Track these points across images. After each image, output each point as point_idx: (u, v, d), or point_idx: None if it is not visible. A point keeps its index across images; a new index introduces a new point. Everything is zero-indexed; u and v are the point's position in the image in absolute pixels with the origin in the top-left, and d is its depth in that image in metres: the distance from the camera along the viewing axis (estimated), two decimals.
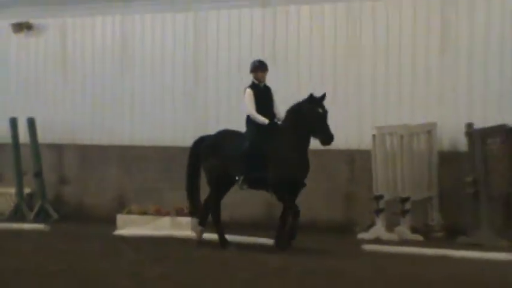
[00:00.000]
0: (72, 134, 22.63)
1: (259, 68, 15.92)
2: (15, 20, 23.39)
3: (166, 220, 18.71)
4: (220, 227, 16.32)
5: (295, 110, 15.53)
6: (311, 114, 15.23)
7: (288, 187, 15.59)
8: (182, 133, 21.35)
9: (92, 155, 22.39)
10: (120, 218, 19.07)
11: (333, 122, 17.54)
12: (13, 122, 21.83)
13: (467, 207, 17.75)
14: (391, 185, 18.28)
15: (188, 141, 19.06)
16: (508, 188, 17.43)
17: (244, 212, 20.08)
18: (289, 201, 15.56)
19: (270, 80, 16.76)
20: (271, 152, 15.51)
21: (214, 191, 16.36)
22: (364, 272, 14.05)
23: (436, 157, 18.74)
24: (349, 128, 19.56)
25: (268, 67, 16.14)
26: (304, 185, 15.79)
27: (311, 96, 15.32)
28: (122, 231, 18.72)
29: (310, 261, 15.44)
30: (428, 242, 17.45)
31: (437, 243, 17.14)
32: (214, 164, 16.26)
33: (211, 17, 21.61)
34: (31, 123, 21.86)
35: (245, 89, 16.02)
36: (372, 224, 18.16)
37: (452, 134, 18.50)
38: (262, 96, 15.89)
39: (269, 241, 16.31)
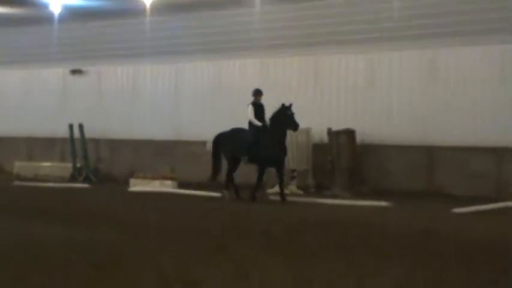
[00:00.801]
0: (104, 132, 24.02)
1: (257, 93, 17.42)
2: (72, 67, 24.98)
3: (157, 182, 20.05)
4: (229, 185, 17.53)
5: (275, 116, 16.77)
6: (284, 115, 16.60)
7: (272, 164, 16.97)
8: (164, 131, 22.94)
9: (116, 145, 23.87)
10: (132, 181, 20.66)
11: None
12: (70, 127, 23.17)
13: (328, 175, 18.91)
14: (287, 162, 18.47)
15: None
16: (349, 163, 18.61)
17: None
18: (260, 176, 16.96)
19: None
20: (263, 143, 16.63)
21: (229, 164, 17.70)
22: (269, 213, 15.00)
23: (311, 146, 19.68)
24: None
25: (263, 93, 17.39)
26: (283, 162, 17.17)
27: (283, 105, 16.71)
28: (132, 189, 19.87)
29: (241, 204, 16.60)
30: (307, 194, 18.53)
31: (312, 195, 18.22)
32: (229, 149, 17.55)
33: None
34: (81, 126, 23.28)
35: (248, 105, 17.31)
36: (274, 184, 18.55)
37: (320, 133, 19.37)
38: (258, 110, 17.22)
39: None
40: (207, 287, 7.57)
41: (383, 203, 16.27)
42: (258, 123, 17.03)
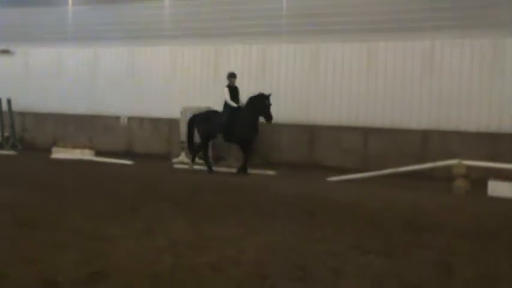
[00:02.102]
0: (30, 107, 23.62)
1: (231, 76, 16.70)
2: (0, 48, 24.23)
3: (77, 151, 19.70)
4: (208, 161, 16.83)
5: (252, 100, 16.12)
6: (261, 104, 15.94)
7: (245, 142, 16.28)
8: (84, 106, 22.81)
9: (40, 118, 23.45)
10: (54, 149, 20.18)
11: (163, 99, 20.66)
12: None
13: (225, 147, 18.69)
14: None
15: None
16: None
17: None
18: (249, 148, 16.31)
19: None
20: (238, 122, 16.11)
21: (203, 142, 16.91)
22: (174, 179, 15.11)
23: None
24: (173, 105, 20.63)
25: (236, 76, 16.81)
26: (254, 140, 16.62)
27: (262, 94, 16.12)
28: (54, 156, 19.58)
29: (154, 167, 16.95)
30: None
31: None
32: (204, 128, 16.80)
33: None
34: (9, 101, 23.01)
35: (224, 87, 16.73)
36: (179, 155, 19.41)
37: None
38: (233, 92, 16.57)
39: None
40: (118, 242, 7.61)
41: (270, 172, 16.62)
42: (233, 104, 16.45)
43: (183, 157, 19.29)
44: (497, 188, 13.21)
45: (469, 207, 11.57)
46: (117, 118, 22.11)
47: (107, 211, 9.81)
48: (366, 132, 18.24)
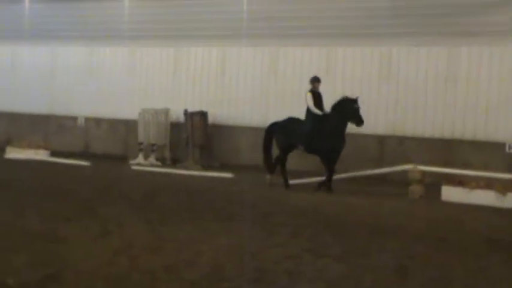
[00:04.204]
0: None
1: (315, 80, 14.62)
2: None
3: (31, 151, 19.26)
4: (285, 174, 14.84)
5: (338, 106, 14.16)
6: (349, 108, 13.99)
7: (332, 153, 14.20)
8: (39, 105, 22.26)
9: None
10: (8, 149, 19.77)
11: (122, 100, 20.44)
12: None
13: (183, 150, 18.89)
14: (147, 137, 19.08)
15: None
16: (201, 141, 18.65)
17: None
18: (332, 167, 14.17)
19: None
20: (323, 131, 14.12)
21: (283, 154, 14.97)
22: (132, 180, 15.14)
23: (169, 124, 19.55)
24: (131, 106, 20.06)
25: (321, 80, 14.77)
26: (340, 152, 14.30)
27: (347, 97, 14.24)
28: (8, 156, 19.21)
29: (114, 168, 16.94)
30: (164, 166, 18.36)
31: (168, 167, 18.10)
32: (285, 137, 14.85)
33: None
34: None
35: (306, 92, 14.65)
36: (136, 156, 18.97)
37: (178, 113, 19.35)
38: (317, 98, 14.55)
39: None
40: (71, 243, 7.55)
41: (228, 175, 16.56)
42: (318, 111, 14.36)
43: (140, 159, 19.12)
44: (450, 193, 13.43)
45: (424, 212, 11.75)
46: (74, 118, 21.81)
47: (62, 212, 9.69)
48: None
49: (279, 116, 18.63)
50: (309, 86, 14.69)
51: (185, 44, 20.30)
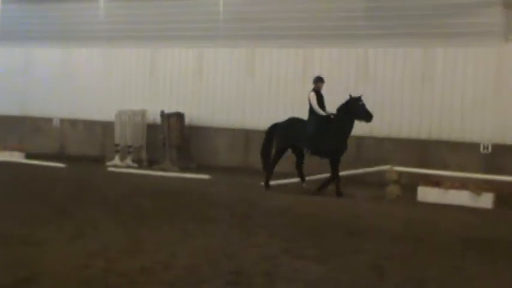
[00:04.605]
0: None
1: (319, 80, 14.32)
2: None
3: (6, 153, 19.01)
4: (269, 175, 14.65)
5: (345, 107, 13.88)
6: (355, 106, 13.76)
7: (335, 155, 13.94)
8: (14, 107, 22.14)
9: None
10: None
11: (98, 101, 20.31)
12: None
13: (160, 151, 18.79)
14: (123, 138, 19.07)
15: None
16: (178, 142, 18.67)
17: None
18: (336, 169, 13.88)
19: None
20: (329, 132, 13.86)
21: (277, 154, 14.69)
22: (107, 182, 14.94)
23: (145, 126, 19.57)
24: (108, 108, 19.96)
25: (324, 80, 14.48)
26: (342, 154, 14.04)
27: (351, 96, 13.90)
28: None
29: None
30: (141, 167, 18.35)
31: (145, 168, 18.09)
32: (287, 139, 14.48)
33: None
34: None
35: (309, 92, 14.26)
36: (113, 158, 18.98)
37: (154, 114, 19.35)
38: (320, 98, 14.24)
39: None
40: (47, 246, 7.49)
41: (206, 176, 16.53)
42: (322, 112, 14.08)
43: (117, 160, 19.13)
44: (426, 193, 13.56)
45: (400, 212, 11.84)
46: (49, 120, 21.65)
47: (37, 215, 9.61)
48: None
49: (256, 117, 18.87)
50: (311, 86, 14.47)
51: (162, 45, 20.33)
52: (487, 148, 16.15)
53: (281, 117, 18.22)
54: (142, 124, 19.84)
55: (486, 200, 13.14)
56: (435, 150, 16.65)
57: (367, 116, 13.80)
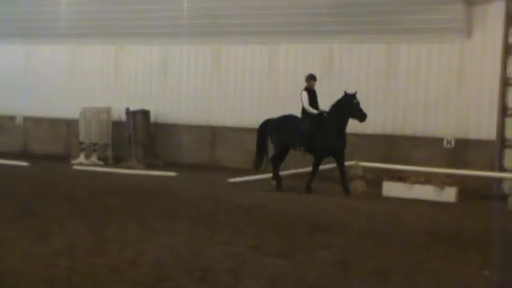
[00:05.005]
0: None
1: (311, 78, 14.24)
2: None
3: None
4: (277, 174, 14.35)
5: (338, 104, 13.77)
6: (349, 104, 13.65)
7: (331, 154, 13.87)
8: None
9: None
10: None
11: (62, 99, 20.04)
12: None
13: (125, 148, 18.79)
14: (88, 136, 19.09)
15: None
16: (144, 139, 18.71)
17: None
18: (318, 164, 13.87)
19: None
20: (322, 131, 13.74)
21: (279, 153, 14.37)
22: (73, 180, 14.95)
23: (111, 123, 19.45)
24: (72, 105, 19.66)
25: (316, 78, 14.41)
26: (343, 151, 13.86)
27: (346, 93, 13.79)
28: None
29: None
30: (106, 165, 18.39)
31: (110, 166, 18.14)
32: (281, 137, 14.32)
33: None
34: None
35: (301, 91, 14.19)
36: (78, 156, 18.93)
37: (120, 112, 19.23)
38: (312, 97, 14.15)
39: None
40: (11, 246, 7.41)
41: (172, 173, 16.50)
42: (313, 111, 13.95)
43: (82, 158, 19.03)
44: (391, 188, 13.73)
45: (365, 207, 11.97)
46: (13, 118, 21.39)
47: (0, 214, 9.50)
48: None
49: (222, 113, 18.89)
50: (304, 84, 14.35)
51: (126, 42, 20.23)
52: (450, 143, 16.39)
53: (247, 113, 18.42)
54: (107, 122, 19.74)
55: (449, 194, 13.41)
56: (400, 146, 16.84)
57: (360, 115, 13.69)
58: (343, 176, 13.78)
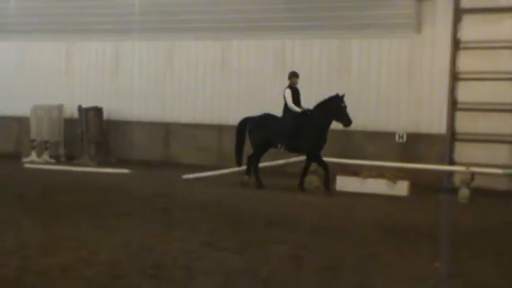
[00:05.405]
0: None
1: (293, 75, 14.05)
2: None
3: None
4: (258, 174, 14.12)
5: (324, 104, 13.66)
6: (336, 106, 13.52)
7: (313, 152, 13.65)
8: None
9: None
10: None
11: (12, 96, 19.82)
12: None
13: (77, 146, 18.77)
14: (40, 134, 18.94)
15: None
16: (97, 136, 18.71)
17: None
18: (320, 160, 13.65)
19: None
20: (305, 130, 13.58)
21: (256, 152, 14.25)
22: (26, 178, 14.76)
23: (62, 120, 19.35)
24: (23, 103, 19.47)
25: (299, 75, 14.19)
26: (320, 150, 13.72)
27: (337, 95, 13.62)
28: None
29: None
30: (59, 163, 18.24)
31: (63, 164, 17.99)
32: (261, 135, 14.13)
33: None
34: None
35: (285, 89, 13.98)
36: (29, 154, 18.66)
37: (72, 109, 19.10)
38: (295, 95, 13.97)
39: None
40: None
41: (125, 171, 16.41)
42: (297, 109, 13.78)
43: (33, 156, 18.80)
44: (344, 183, 13.90)
45: (319, 202, 12.11)
46: None
47: None
48: (221, 130, 18.44)
49: (176, 110, 18.84)
50: (287, 82, 14.16)
51: (77, 39, 20.04)
52: (402, 137, 16.62)
53: (200, 109, 18.43)
54: (59, 119, 19.60)
55: (402, 188, 13.66)
56: (353, 140, 17.00)
57: (346, 120, 13.54)
58: (327, 174, 13.53)
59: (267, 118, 14.29)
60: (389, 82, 16.93)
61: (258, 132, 14.22)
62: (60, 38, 20.14)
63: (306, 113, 13.77)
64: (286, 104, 13.92)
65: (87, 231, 8.39)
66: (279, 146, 13.95)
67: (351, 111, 13.81)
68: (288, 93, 13.88)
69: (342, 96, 13.61)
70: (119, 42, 19.65)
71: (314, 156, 13.71)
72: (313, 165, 14.18)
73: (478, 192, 13.43)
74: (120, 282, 6.07)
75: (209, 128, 18.52)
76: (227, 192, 13.14)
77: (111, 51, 19.86)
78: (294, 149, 13.99)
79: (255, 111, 17.31)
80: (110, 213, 9.87)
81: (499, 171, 14.30)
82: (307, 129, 13.58)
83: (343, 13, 16.92)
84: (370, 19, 16.73)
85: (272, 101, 17.44)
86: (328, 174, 13.44)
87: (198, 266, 6.76)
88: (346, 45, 17.33)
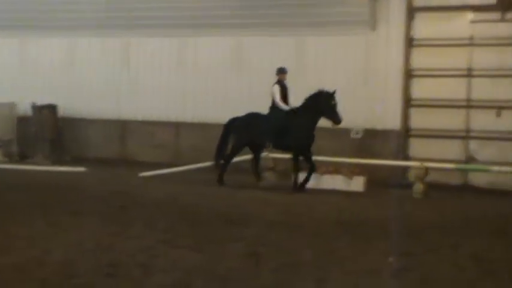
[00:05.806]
0: None
1: (282, 71, 13.78)
2: None
3: None
4: (224, 173, 13.98)
5: (312, 100, 13.32)
6: (325, 104, 13.16)
7: (301, 150, 13.32)
8: None
9: None
10: None
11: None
12: None
13: (31, 144, 18.30)
14: None
15: None
16: (51, 134, 18.22)
17: None
18: (309, 157, 13.33)
19: None
20: (292, 126, 13.24)
21: (235, 153, 14.07)
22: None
23: (15, 118, 18.96)
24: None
25: (287, 71, 13.94)
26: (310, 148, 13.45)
27: (323, 91, 13.25)
28: None
29: None
30: (12, 162, 17.62)
31: (16, 163, 17.51)
32: (247, 135, 13.75)
33: None
34: None
35: (273, 85, 13.68)
36: None
37: (25, 107, 18.62)
38: (283, 91, 13.68)
39: None
40: None
41: (80, 169, 16.14)
42: (284, 107, 13.49)
43: None
44: (301, 179, 13.86)
45: (277, 199, 12.14)
46: None
47: None
48: (178, 127, 18.33)
49: (133, 107, 18.67)
50: (275, 78, 13.91)
51: (31, 35, 19.62)
52: (358, 133, 16.71)
53: (157, 106, 18.29)
54: (11, 117, 19.21)
55: (358, 184, 13.79)
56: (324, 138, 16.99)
57: (336, 119, 13.23)
58: (310, 172, 13.40)
59: (253, 118, 13.96)
60: (346, 79, 16.93)
61: (244, 133, 13.91)
62: (13, 34, 19.74)
63: (293, 111, 13.51)
64: (273, 101, 13.68)
65: (41, 230, 8.26)
66: (267, 143, 13.72)
67: None
68: (276, 89, 13.63)
69: (333, 93, 13.28)
70: (74, 38, 19.30)
71: (302, 152, 13.42)
72: (271, 162, 14.18)
73: (432, 187, 13.59)
74: (75, 281, 5.98)
75: (166, 125, 18.36)
76: (184, 189, 13.06)
77: (66, 48, 19.50)
78: (282, 147, 13.79)
79: (211, 108, 17.31)
80: (65, 212, 9.73)
81: (452, 166, 14.56)
82: (295, 127, 13.32)
83: (298, 10, 16.92)
84: (325, 17, 16.75)
85: (229, 98, 17.41)
86: (311, 173, 13.36)
87: (155, 263, 6.71)
88: (301, 43, 17.34)
